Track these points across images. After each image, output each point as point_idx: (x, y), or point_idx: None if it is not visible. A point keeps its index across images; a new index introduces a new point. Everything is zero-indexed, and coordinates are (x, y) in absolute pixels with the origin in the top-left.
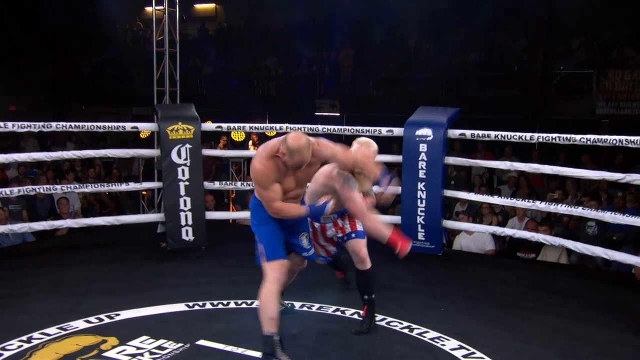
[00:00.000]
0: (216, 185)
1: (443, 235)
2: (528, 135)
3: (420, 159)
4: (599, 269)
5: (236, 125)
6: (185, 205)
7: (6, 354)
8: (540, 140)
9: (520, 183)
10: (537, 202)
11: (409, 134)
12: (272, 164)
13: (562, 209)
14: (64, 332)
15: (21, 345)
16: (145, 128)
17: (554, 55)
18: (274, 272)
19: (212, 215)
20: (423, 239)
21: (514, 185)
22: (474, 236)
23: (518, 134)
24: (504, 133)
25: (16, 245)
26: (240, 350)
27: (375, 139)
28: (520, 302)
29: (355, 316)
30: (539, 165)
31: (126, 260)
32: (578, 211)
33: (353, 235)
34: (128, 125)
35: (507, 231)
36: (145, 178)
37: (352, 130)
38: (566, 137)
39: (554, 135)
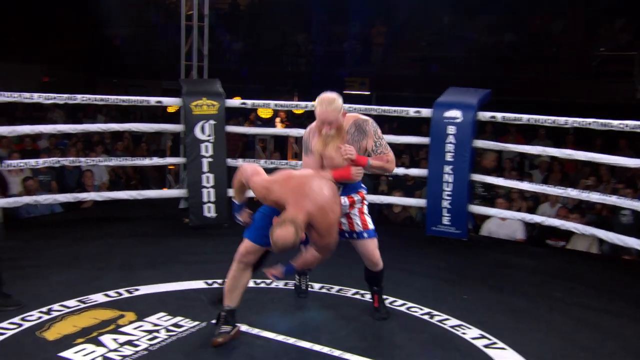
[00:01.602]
0: (240, 162)
1: (469, 221)
2: (562, 119)
3: (448, 141)
4: (632, 260)
5: (261, 102)
6: (207, 182)
7: (26, 324)
8: (576, 125)
9: (552, 168)
10: (569, 190)
11: (438, 115)
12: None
13: (595, 197)
14: (83, 305)
15: (41, 317)
16: (170, 103)
17: (593, 36)
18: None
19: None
20: (448, 223)
21: (546, 170)
22: (505, 223)
23: (552, 117)
24: (536, 117)
25: (44, 216)
26: (255, 331)
27: (404, 119)
28: (546, 292)
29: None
30: (572, 151)
31: (148, 235)
32: (612, 199)
33: (365, 235)
34: (152, 100)
35: (536, 218)
36: (172, 153)
37: (379, 110)
38: (602, 123)
39: (590, 120)
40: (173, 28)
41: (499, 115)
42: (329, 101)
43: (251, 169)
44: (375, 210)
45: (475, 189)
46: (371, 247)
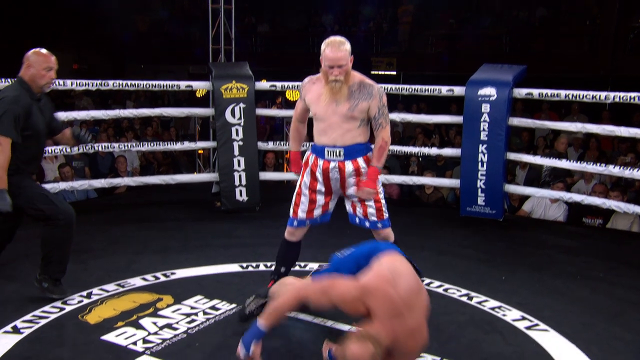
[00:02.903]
0: (270, 145)
1: (504, 201)
2: (602, 94)
3: (482, 119)
4: None
5: (290, 84)
6: (239, 165)
7: (68, 308)
8: (616, 99)
9: (589, 145)
10: (611, 167)
11: (471, 94)
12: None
13: (638, 173)
14: (121, 289)
15: (81, 300)
16: (199, 87)
17: (630, 9)
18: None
19: (266, 175)
20: (483, 203)
21: (581, 148)
22: (546, 204)
23: (591, 93)
24: (575, 92)
25: (80, 202)
26: (292, 314)
27: (435, 98)
28: (587, 272)
29: None
30: (613, 127)
31: (181, 219)
32: None
33: (379, 225)
34: (182, 84)
35: (575, 197)
36: (201, 137)
37: (409, 90)
38: None
39: (632, 94)
40: (199, 12)
41: (535, 92)
42: (339, 42)
43: (320, 285)
44: (406, 192)
45: (542, 176)
46: (384, 235)
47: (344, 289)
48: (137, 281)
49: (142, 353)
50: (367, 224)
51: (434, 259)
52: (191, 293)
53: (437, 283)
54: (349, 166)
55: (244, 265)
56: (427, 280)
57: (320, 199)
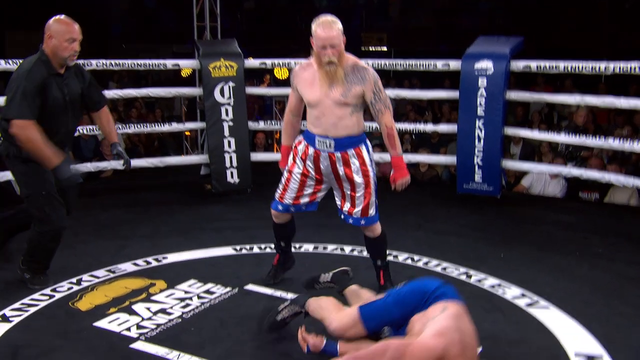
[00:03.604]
0: (261, 125)
1: (502, 177)
2: (602, 65)
3: (479, 94)
4: None
5: (281, 61)
6: (229, 147)
7: (58, 295)
8: (616, 70)
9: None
10: (610, 140)
11: (467, 68)
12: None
13: (638, 146)
14: (112, 275)
15: (71, 287)
16: (187, 65)
17: None
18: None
19: (257, 156)
20: (480, 180)
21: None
22: (545, 180)
23: (590, 63)
24: (574, 63)
25: None
26: (290, 295)
27: (427, 75)
28: (586, 248)
29: (409, 262)
30: (613, 99)
31: (171, 203)
32: None
33: (363, 222)
34: (169, 63)
35: (574, 171)
36: (188, 119)
37: (403, 65)
38: None
39: (633, 64)
40: None
41: (533, 64)
42: (331, 21)
43: (390, 356)
44: None
45: (560, 151)
46: (370, 230)
47: (422, 356)
48: (128, 266)
49: (137, 339)
50: (350, 220)
51: (431, 237)
52: (184, 277)
53: (435, 262)
54: (339, 158)
55: (238, 248)
56: (424, 259)
57: (310, 186)
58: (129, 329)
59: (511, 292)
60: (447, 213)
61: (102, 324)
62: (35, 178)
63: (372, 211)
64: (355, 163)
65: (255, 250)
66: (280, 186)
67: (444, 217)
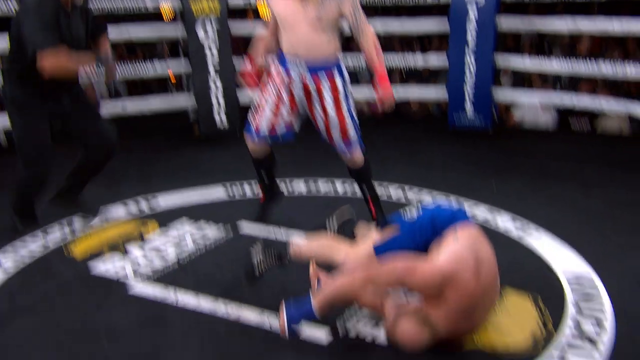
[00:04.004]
0: (248, 66)
1: (493, 110)
2: None
3: (469, 23)
4: None
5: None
6: (216, 88)
7: (50, 240)
8: None
9: (576, 46)
10: (603, 66)
11: None
12: None
13: (631, 70)
14: (104, 219)
15: (64, 232)
16: (168, 4)
17: None
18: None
19: (245, 98)
20: (472, 114)
21: (569, 49)
22: (536, 111)
23: None
24: None
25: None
26: (283, 236)
27: (418, 8)
28: (579, 177)
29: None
30: (605, 22)
31: (159, 147)
32: None
33: (345, 150)
34: (149, 3)
35: (565, 99)
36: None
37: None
38: None
39: None
40: None
41: None
42: None
43: (396, 271)
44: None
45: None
46: (352, 159)
47: (426, 277)
48: (120, 210)
49: (134, 282)
50: (334, 146)
51: (423, 173)
52: (178, 221)
53: (425, 191)
54: (311, 83)
55: (230, 190)
56: (415, 188)
57: (285, 112)
58: (125, 273)
59: (504, 222)
60: (439, 147)
61: (98, 267)
62: (29, 126)
63: (351, 134)
64: (326, 86)
65: (247, 189)
66: (255, 112)
67: (436, 152)
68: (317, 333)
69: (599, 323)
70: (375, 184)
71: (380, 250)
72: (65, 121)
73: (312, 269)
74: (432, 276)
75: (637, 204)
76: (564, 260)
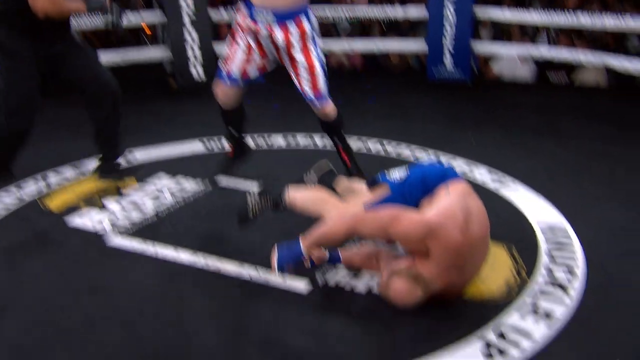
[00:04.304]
0: (225, 16)
1: (473, 63)
2: None
3: None
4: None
5: None
6: (192, 40)
7: (26, 196)
8: None
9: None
10: (582, 17)
11: None
12: None
13: (609, 21)
14: (80, 173)
15: (39, 186)
16: None
17: None
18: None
19: (223, 49)
20: (451, 66)
21: (547, 1)
22: (514, 63)
23: None
24: None
25: None
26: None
27: None
28: (556, 128)
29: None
30: None
31: (134, 100)
32: (630, 23)
33: (316, 103)
34: None
35: (543, 51)
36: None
37: None
38: None
39: None
40: None
41: None
42: None
43: (381, 218)
44: (370, 62)
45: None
46: (322, 111)
47: (410, 227)
48: (95, 163)
49: (112, 235)
50: (306, 97)
51: (402, 125)
52: (154, 173)
53: (403, 145)
54: (278, 32)
55: (208, 143)
56: (392, 142)
57: (256, 57)
58: (102, 226)
59: (481, 174)
60: (418, 100)
61: (75, 221)
62: (17, 73)
63: (321, 84)
64: (294, 33)
65: (226, 143)
66: (226, 57)
67: (415, 105)
68: (296, 284)
69: (570, 271)
70: (355, 138)
71: (371, 204)
72: (60, 68)
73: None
74: (416, 227)
75: (613, 155)
76: (539, 211)
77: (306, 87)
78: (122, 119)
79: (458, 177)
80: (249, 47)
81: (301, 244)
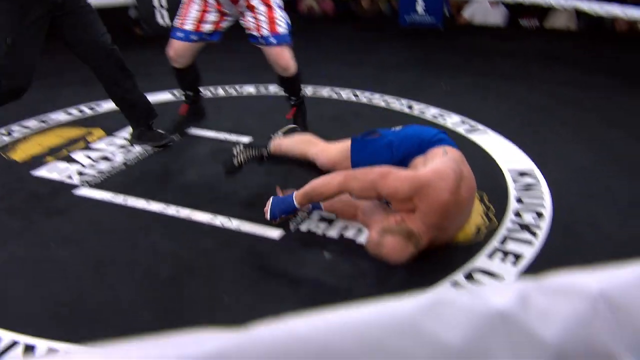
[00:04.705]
0: None
1: (445, 7)
2: None
3: None
4: (608, 32)
5: None
6: None
7: None
8: None
9: None
10: None
11: None
12: None
13: None
14: (45, 125)
15: (2, 138)
16: None
17: None
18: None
19: None
20: (423, 11)
21: None
22: (486, 8)
23: None
24: None
25: None
26: (234, 137)
27: None
28: (525, 72)
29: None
30: None
31: None
32: None
33: (272, 40)
34: None
35: None
36: None
37: None
38: None
39: None
40: None
41: None
42: None
43: (371, 177)
44: (341, 7)
45: None
46: (278, 54)
47: (399, 182)
48: (60, 115)
49: (80, 185)
50: (259, 40)
51: (374, 73)
52: (122, 125)
53: (377, 95)
54: None
55: (176, 92)
56: (367, 94)
57: (213, 14)
58: (70, 177)
59: (452, 120)
60: (390, 47)
61: (42, 173)
62: (5, 20)
63: (281, 29)
64: None
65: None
66: (180, 14)
67: (387, 52)
68: (269, 231)
69: (538, 214)
70: (327, 88)
71: (356, 144)
72: (61, 24)
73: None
74: (405, 183)
75: (581, 100)
76: (510, 157)
77: (265, 30)
78: (74, 70)
79: (453, 145)
80: (205, 1)
81: (294, 199)
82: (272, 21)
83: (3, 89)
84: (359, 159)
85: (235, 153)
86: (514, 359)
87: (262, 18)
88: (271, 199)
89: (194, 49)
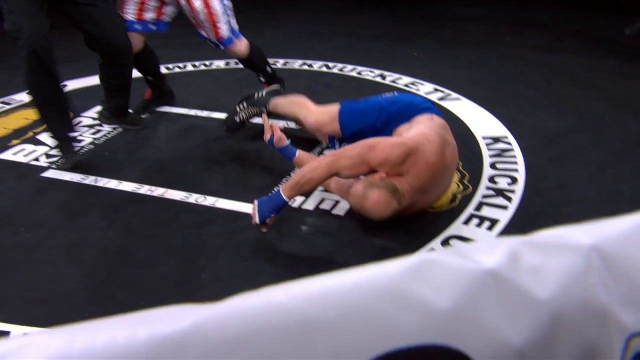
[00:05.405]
0: None
1: None
2: None
3: None
4: None
5: None
6: None
7: None
8: None
9: None
10: None
11: None
12: None
13: None
14: (8, 107)
15: None
16: None
17: None
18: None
19: None
20: None
21: None
22: None
23: None
24: None
25: None
26: (205, 114)
27: None
28: (494, 39)
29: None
30: None
31: (61, 26)
32: None
33: (221, 47)
34: None
35: None
36: None
37: None
38: None
39: None
40: None
41: None
42: None
43: (359, 152)
44: None
45: None
46: (229, 51)
47: (388, 149)
48: (24, 97)
49: (48, 168)
50: (210, 42)
51: (345, 43)
52: (90, 104)
53: (349, 67)
54: None
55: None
56: (339, 65)
57: (153, 1)
58: (37, 159)
59: (425, 88)
60: (360, 17)
61: (7, 156)
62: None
63: (222, 32)
64: None
65: (163, 70)
66: (120, 4)
67: (357, 22)
68: (244, 207)
69: (512, 178)
70: (299, 62)
71: (345, 108)
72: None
73: (265, 121)
74: (394, 149)
75: (550, 64)
76: (482, 123)
77: (208, 33)
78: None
79: (440, 114)
80: None
81: (282, 193)
82: (213, 22)
83: (24, 44)
84: (346, 119)
85: (237, 110)
86: (506, 319)
87: (202, 20)
88: (255, 202)
89: (140, 36)
